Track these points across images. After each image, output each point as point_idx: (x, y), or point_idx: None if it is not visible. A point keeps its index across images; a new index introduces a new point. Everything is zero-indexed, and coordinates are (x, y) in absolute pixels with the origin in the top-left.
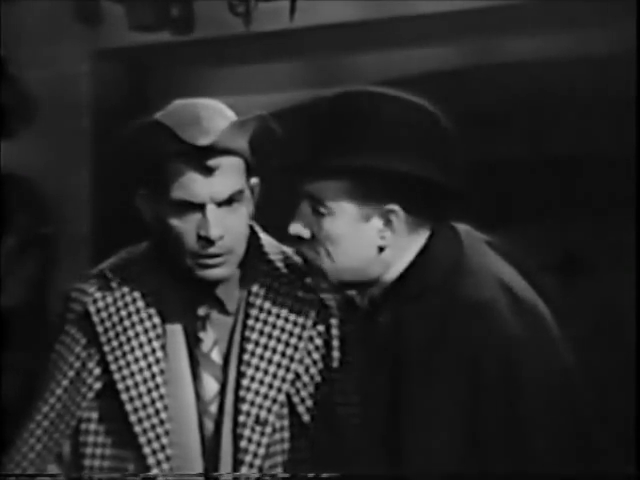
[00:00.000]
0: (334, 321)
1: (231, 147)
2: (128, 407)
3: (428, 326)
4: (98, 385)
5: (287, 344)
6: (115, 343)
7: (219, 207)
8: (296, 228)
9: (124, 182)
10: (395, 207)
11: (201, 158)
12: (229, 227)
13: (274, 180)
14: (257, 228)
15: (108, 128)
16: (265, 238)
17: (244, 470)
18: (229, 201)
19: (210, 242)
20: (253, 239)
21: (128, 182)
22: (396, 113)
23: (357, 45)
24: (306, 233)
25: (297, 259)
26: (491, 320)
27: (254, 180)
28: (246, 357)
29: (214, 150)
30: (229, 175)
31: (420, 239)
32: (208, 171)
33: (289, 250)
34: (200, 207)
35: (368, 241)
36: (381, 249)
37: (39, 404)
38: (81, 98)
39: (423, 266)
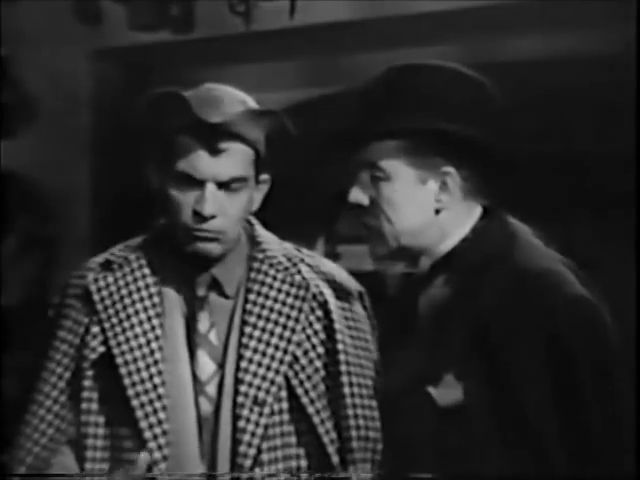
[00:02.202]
0: (333, 307)
1: (242, 133)
2: (126, 381)
3: (503, 292)
4: (94, 356)
5: (284, 327)
6: (115, 320)
7: (219, 188)
8: (355, 195)
9: (137, 151)
10: (451, 169)
11: (211, 137)
12: (224, 209)
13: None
14: (255, 221)
15: (108, 127)
16: (263, 232)
17: (242, 449)
18: (230, 185)
19: (203, 218)
20: (251, 230)
21: (141, 149)
22: (447, 82)
23: (357, 44)
24: (365, 199)
25: (294, 251)
26: (565, 285)
27: (264, 176)
28: (245, 340)
29: (225, 132)
30: (235, 160)
31: (474, 212)
32: (215, 151)
33: (288, 245)
34: (201, 184)
35: (425, 203)
36: (437, 211)
37: (46, 389)
38: (81, 97)
39: (480, 238)
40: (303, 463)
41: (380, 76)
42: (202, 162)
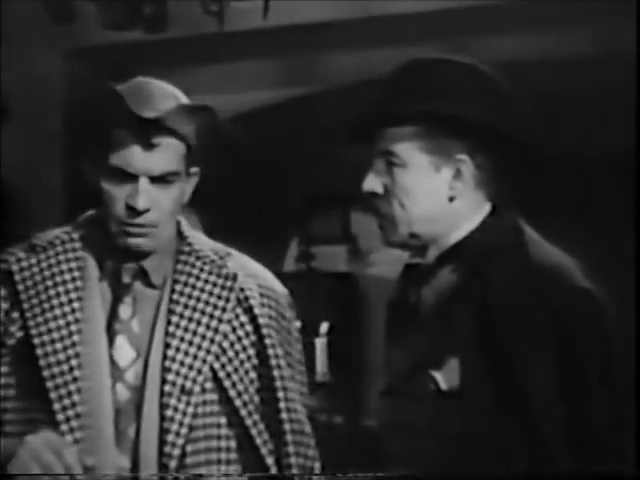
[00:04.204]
0: (257, 302)
1: (175, 128)
2: (42, 362)
3: (512, 282)
4: (12, 341)
5: (211, 316)
6: (35, 301)
7: (152, 182)
8: (370, 183)
9: (76, 145)
10: (465, 157)
11: (144, 132)
12: (157, 203)
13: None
14: (180, 218)
15: (81, 127)
16: (189, 229)
17: (170, 438)
18: (162, 179)
19: (136, 212)
20: (177, 226)
21: (79, 145)
22: (464, 75)
23: (330, 45)
24: (379, 188)
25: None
26: (573, 278)
27: (194, 169)
28: (171, 329)
29: (158, 126)
30: (167, 155)
31: (484, 206)
32: (148, 146)
33: (218, 244)
34: (133, 178)
35: (439, 190)
36: (451, 199)
37: None
38: (54, 97)
39: (489, 231)
40: (233, 456)
41: (398, 68)
42: (135, 157)
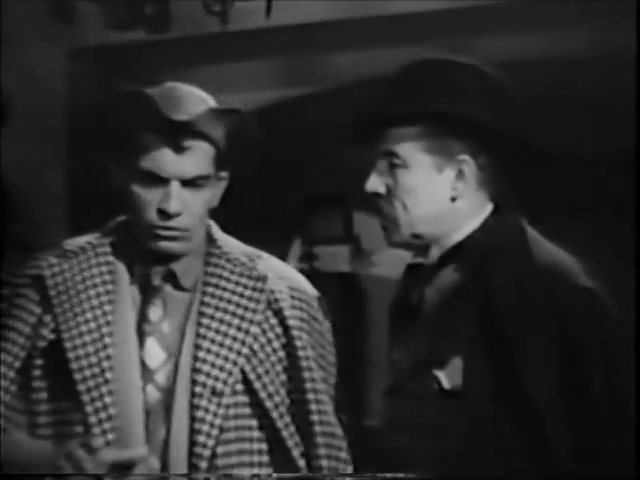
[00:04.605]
0: (287, 304)
1: (205, 131)
2: (73, 365)
3: (515, 282)
4: (44, 343)
5: (242, 318)
6: (67, 306)
7: (183, 186)
8: (373, 184)
9: (100, 147)
10: (467, 157)
11: (175, 135)
12: (189, 206)
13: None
14: (211, 222)
15: (83, 128)
16: (219, 232)
17: (201, 439)
18: (193, 183)
19: (168, 216)
20: (208, 229)
21: (104, 147)
22: (467, 76)
23: (333, 44)
24: (382, 188)
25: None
26: (576, 277)
27: (223, 173)
28: (202, 331)
29: (189, 130)
30: (199, 158)
31: (486, 206)
32: (179, 149)
33: (249, 248)
34: (165, 182)
35: (441, 191)
36: (453, 200)
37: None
38: (56, 98)
39: (492, 230)
40: (265, 459)
41: (401, 68)
42: (167, 160)
